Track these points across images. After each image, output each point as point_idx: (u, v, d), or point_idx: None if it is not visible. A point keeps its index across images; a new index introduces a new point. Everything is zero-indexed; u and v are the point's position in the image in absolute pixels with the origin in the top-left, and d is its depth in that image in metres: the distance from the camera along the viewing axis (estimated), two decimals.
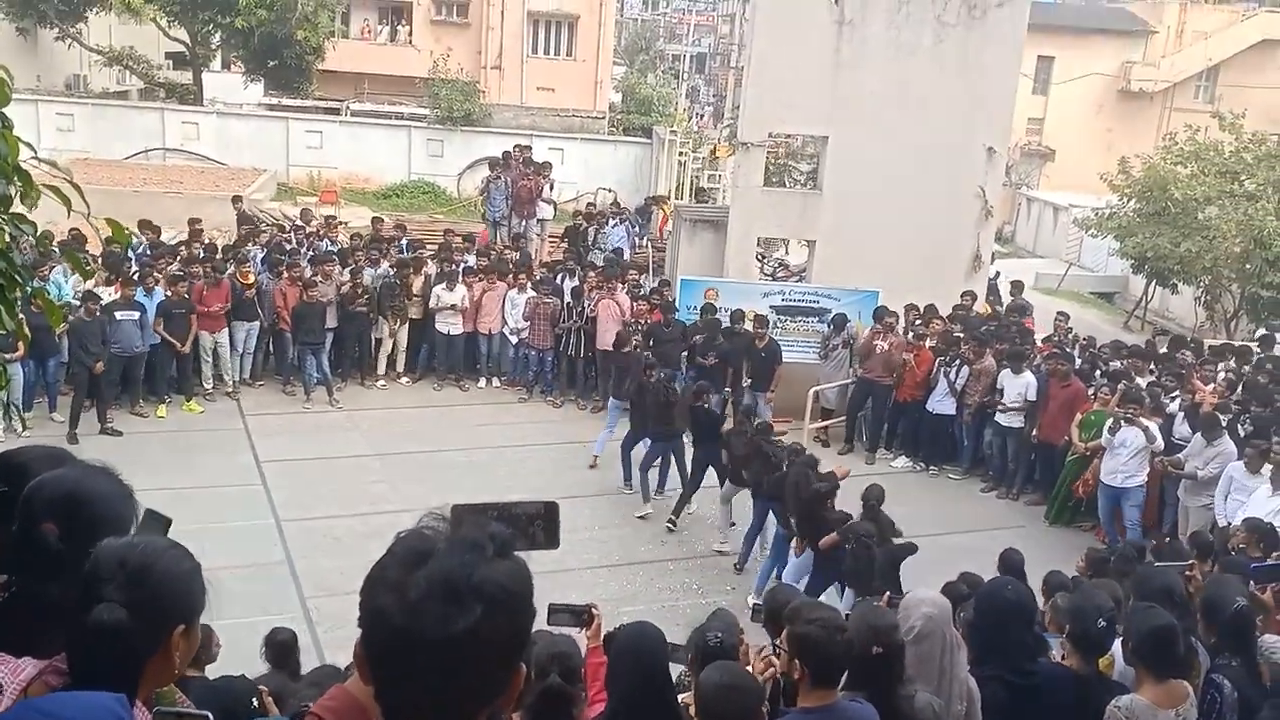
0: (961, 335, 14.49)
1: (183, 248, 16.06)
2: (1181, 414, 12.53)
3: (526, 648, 1.61)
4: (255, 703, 3.84)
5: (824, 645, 3.59)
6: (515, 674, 1.60)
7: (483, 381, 16.41)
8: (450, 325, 15.92)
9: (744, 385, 14.68)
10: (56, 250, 9.22)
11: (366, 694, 1.65)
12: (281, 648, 6.16)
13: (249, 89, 31.22)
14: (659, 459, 12.83)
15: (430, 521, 1.61)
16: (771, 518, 11.04)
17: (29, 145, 2.21)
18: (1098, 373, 14.01)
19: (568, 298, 15.89)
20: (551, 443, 14.52)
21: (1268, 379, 13.86)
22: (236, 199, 19.93)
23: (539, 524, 1.91)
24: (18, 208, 2.21)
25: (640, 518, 12.46)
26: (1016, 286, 18.27)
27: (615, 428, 13.74)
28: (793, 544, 10.20)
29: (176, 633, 1.97)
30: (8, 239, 2.21)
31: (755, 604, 5.33)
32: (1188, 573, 6.36)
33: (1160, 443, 11.87)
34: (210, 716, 2.04)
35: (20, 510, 2.09)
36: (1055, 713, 4.37)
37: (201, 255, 15.50)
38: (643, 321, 15.03)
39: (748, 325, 14.76)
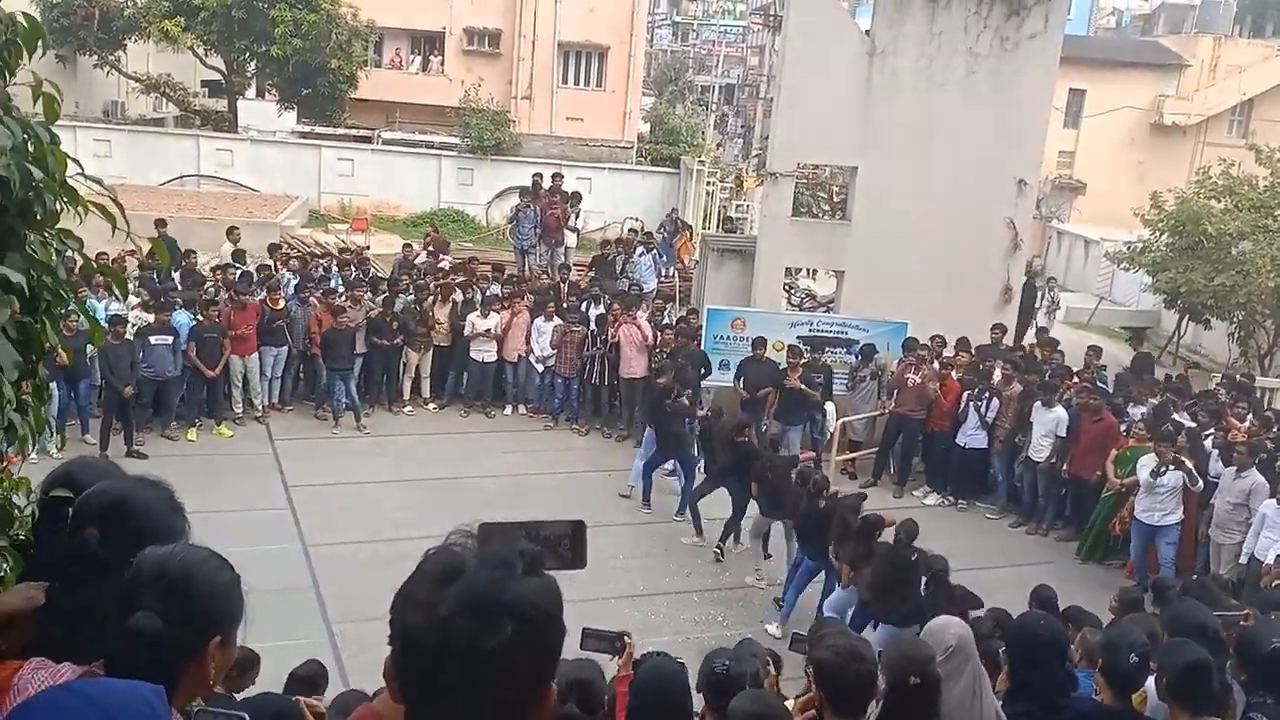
0: (990, 365, 14.41)
1: (217, 272, 16.21)
2: (1216, 451, 12.40)
3: (556, 665, 1.60)
4: None
5: (837, 672, 3.52)
6: (545, 692, 1.59)
7: (508, 409, 16.43)
8: (484, 353, 15.99)
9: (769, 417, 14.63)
10: (96, 269, 9.23)
11: (394, 713, 1.65)
12: (306, 681, 6.06)
13: (282, 116, 31.57)
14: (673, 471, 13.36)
15: (459, 539, 1.61)
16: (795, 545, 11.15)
17: (76, 161, 2.25)
18: (1139, 411, 13.79)
19: (592, 325, 15.92)
20: (577, 471, 14.51)
21: None
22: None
23: (566, 543, 1.90)
24: (64, 223, 2.25)
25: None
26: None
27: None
28: (840, 576, 10.09)
29: (213, 644, 1.98)
30: (54, 255, 2.24)
31: (795, 633, 5.29)
32: (1243, 623, 6.17)
33: (1200, 484, 11.72)
34: (246, 717, 2.05)
35: (71, 517, 2.13)
36: None
37: (237, 279, 15.65)
38: (665, 351, 15.06)
39: (769, 354, 14.75)
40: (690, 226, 23.46)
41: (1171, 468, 11.64)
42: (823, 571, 10.68)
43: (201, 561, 2.01)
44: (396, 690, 1.58)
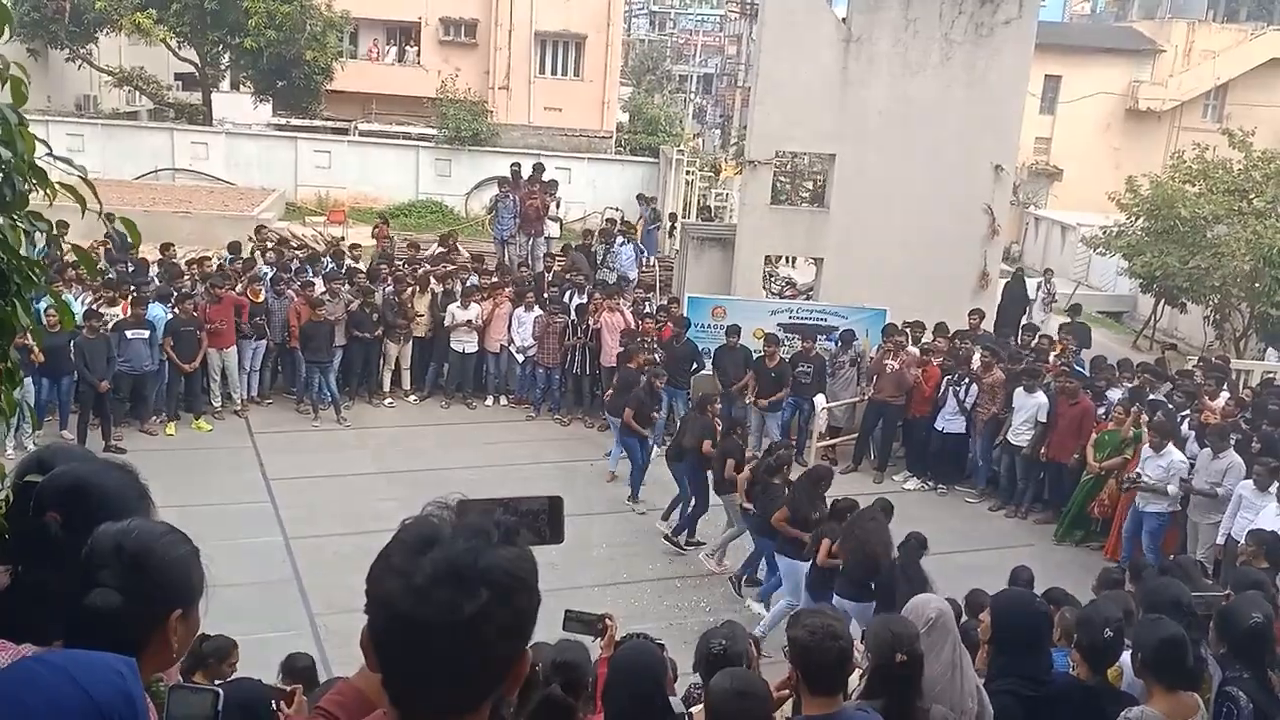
0: (969, 350, 14.47)
1: (194, 266, 16.10)
2: (1192, 434, 12.49)
3: (531, 632, 1.62)
4: (276, 706, 3.82)
5: (812, 650, 3.54)
6: (520, 658, 1.61)
7: (490, 400, 16.41)
8: (464, 343, 15.95)
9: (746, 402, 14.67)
10: (66, 250, 9.17)
11: (372, 685, 1.66)
12: (302, 674, 6.02)
13: (258, 109, 31.36)
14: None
15: (435, 509, 1.62)
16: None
17: (44, 143, 2.24)
18: (1117, 393, 13.83)
19: (572, 315, 15.89)
20: (559, 460, 14.51)
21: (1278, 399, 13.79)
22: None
23: (544, 518, 1.92)
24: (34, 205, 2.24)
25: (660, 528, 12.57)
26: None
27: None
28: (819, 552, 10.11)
29: (173, 617, 1.97)
30: (23, 237, 2.23)
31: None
32: (1224, 603, 6.24)
33: (1177, 492, 11.72)
34: (220, 692, 2.05)
35: (33, 500, 2.12)
36: None
37: (213, 272, 15.53)
38: (651, 338, 15.05)
39: (745, 342, 14.78)
40: (660, 218, 23.49)
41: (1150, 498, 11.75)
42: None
43: (158, 536, 2.01)
44: (374, 660, 1.59)
